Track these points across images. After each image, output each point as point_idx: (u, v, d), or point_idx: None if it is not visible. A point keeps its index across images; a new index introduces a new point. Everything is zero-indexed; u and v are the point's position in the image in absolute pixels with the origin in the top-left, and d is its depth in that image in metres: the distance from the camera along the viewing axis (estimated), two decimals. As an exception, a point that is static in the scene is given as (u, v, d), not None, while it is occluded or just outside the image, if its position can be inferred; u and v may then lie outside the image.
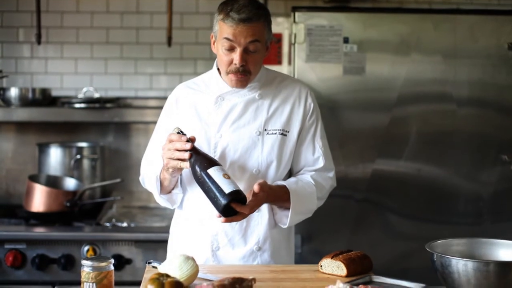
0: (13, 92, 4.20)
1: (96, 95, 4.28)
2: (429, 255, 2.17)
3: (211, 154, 2.60)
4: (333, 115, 3.49)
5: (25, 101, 4.19)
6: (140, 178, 2.79)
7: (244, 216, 2.45)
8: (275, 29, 4.38)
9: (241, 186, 2.48)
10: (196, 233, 2.68)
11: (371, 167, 3.56)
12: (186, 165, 2.44)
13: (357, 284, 2.15)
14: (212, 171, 2.40)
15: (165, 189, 2.66)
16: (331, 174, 2.75)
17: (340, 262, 2.36)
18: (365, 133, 3.55)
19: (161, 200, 2.72)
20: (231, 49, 2.54)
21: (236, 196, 2.38)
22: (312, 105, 2.72)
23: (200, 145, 2.59)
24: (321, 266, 2.42)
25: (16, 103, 4.19)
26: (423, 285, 2.16)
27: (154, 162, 2.65)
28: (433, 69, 3.56)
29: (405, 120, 3.57)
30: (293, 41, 3.53)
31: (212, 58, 4.41)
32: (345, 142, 3.54)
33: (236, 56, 2.53)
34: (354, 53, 3.52)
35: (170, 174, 2.56)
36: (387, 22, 3.56)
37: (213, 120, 2.65)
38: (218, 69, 2.71)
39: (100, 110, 4.19)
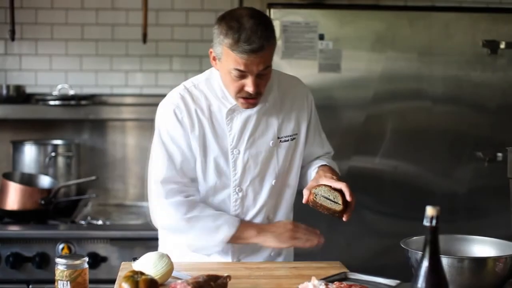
0: (-13, 90, 4.17)
1: (71, 92, 4.25)
2: (404, 252, 2.17)
3: (230, 171, 2.53)
4: (309, 112, 3.49)
5: (-1, 98, 4.16)
6: (157, 209, 2.55)
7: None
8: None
9: (262, 198, 2.56)
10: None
11: (347, 164, 3.55)
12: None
13: (332, 281, 2.14)
14: None
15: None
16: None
17: (338, 194, 2.36)
18: (340, 130, 3.55)
19: (214, 247, 2.58)
20: (242, 77, 2.40)
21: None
22: (312, 101, 2.70)
23: (218, 162, 2.52)
24: (315, 195, 2.39)
25: (-10, 101, 4.15)
26: (398, 281, 2.16)
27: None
28: (409, 66, 3.57)
29: (381, 117, 3.58)
30: (269, 38, 3.52)
31: (187, 55, 4.41)
32: (321, 139, 3.53)
33: (248, 82, 2.39)
34: (330, 50, 3.52)
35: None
36: (363, 19, 3.57)
37: (228, 135, 2.54)
38: None
39: (75, 107, 4.16)
